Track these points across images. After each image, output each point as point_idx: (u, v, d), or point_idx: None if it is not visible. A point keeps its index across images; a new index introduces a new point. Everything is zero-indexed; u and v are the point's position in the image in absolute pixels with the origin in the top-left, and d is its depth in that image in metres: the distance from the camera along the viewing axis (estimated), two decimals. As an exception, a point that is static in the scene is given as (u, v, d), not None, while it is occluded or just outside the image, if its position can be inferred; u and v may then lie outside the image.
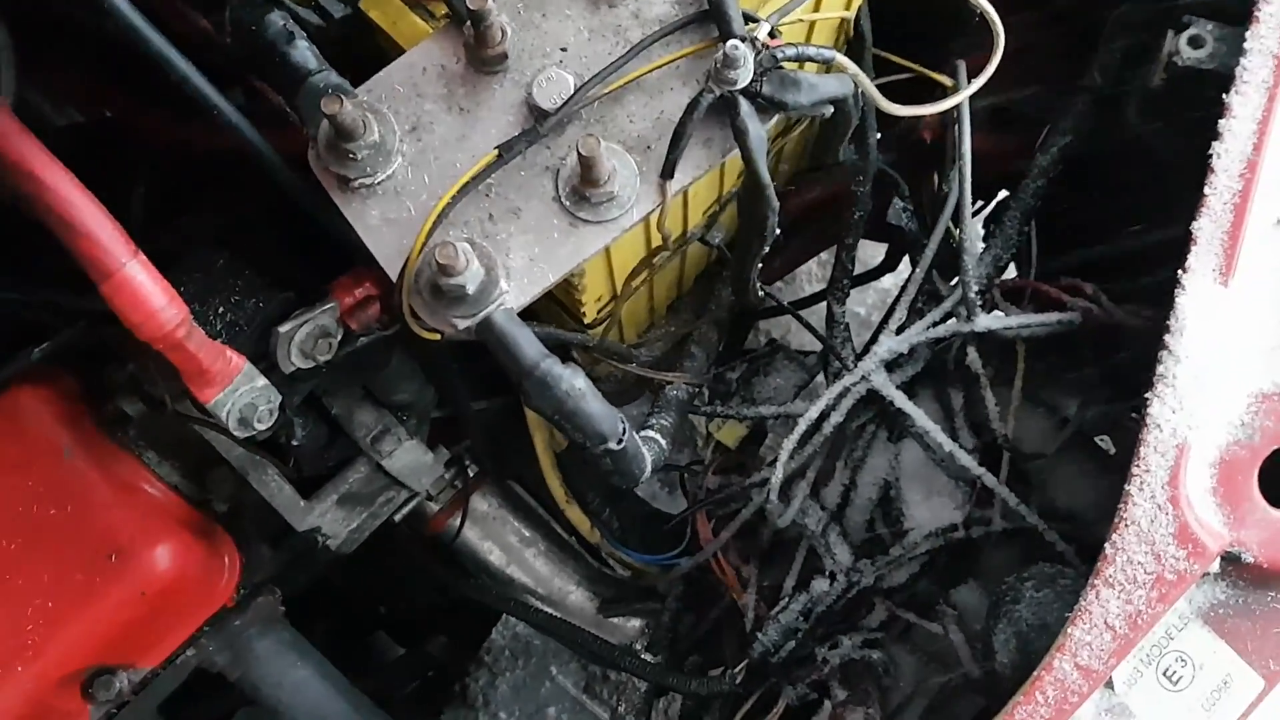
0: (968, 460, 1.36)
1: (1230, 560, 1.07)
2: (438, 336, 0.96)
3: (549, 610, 1.64)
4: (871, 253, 1.73)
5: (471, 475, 1.62)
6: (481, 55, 0.96)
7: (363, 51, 1.08)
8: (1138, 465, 1.07)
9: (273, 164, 0.97)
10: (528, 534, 1.68)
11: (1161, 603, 1.05)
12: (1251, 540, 1.06)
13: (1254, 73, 1.13)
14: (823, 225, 1.55)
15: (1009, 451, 1.40)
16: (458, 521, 1.65)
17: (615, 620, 1.66)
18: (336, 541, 1.30)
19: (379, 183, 0.97)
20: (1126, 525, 1.06)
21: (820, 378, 1.56)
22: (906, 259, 1.68)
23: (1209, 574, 1.07)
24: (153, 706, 1.40)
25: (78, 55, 1.35)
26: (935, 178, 1.45)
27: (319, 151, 0.96)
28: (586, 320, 1.23)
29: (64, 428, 1.22)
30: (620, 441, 0.93)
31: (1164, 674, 1.09)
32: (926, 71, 1.27)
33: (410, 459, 1.29)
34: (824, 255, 1.92)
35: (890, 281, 2.08)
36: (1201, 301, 1.09)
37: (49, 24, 1.22)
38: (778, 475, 1.36)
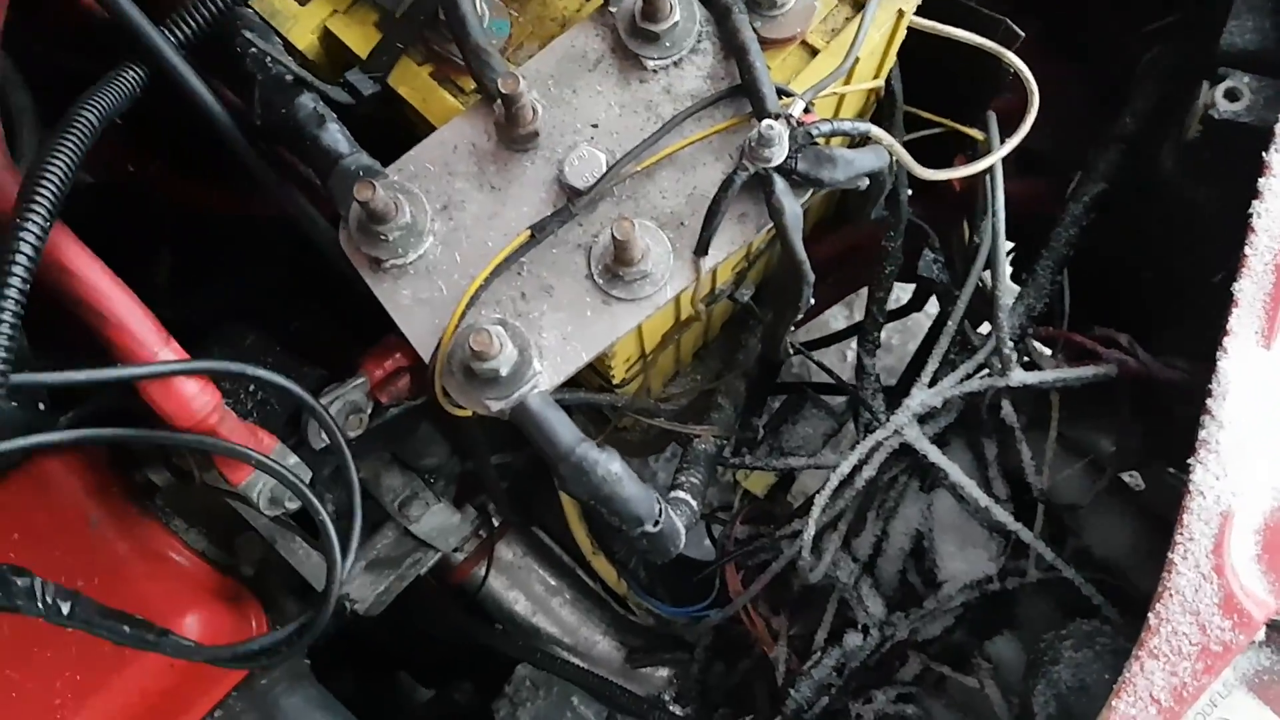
0: (1003, 515, 1.34)
1: (1275, 627, 1.05)
2: (469, 414, 0.95)
3: (575, 660, 1.63)
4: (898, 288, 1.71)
5: (496, 524, 1.61)
6: (513, 134, 0.95)
7: (393, 125, 1.07)
8: (1181, 534, 1.05)
9: (324, 235, 0.96)
10: (553, 583, 1.67)
11: (1207, 674, 1.03)
12: (1298, 607, 1.04)
13: (1294, 129, 1.11)
14: (847, 273, 1.54)
15: (1044, 504, 1.38)
16: (483, 570, 1.64)
17: (643, 670, 1.64)
18: (364, 605, 1.30)
19: (410, 263, 0.96)
20: (1170, 595, 1.04)
21: (849, 424, 1.55)
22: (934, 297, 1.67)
23: (1254, 641, 1.05)
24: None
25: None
26: (965, 227, 1.43)
27: (350, 233, 0.95)
28: (615, 380, 1.22)
29: (90, 497, 1.22)
30: (657, 523, 0.92)
31: (1209, 743, 1.07)
32: (958, 127, 1.25)
33: (438, 521, 1.28)
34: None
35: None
36: (1244, 365, 1.07)
37: (73, 83, 1.22)
38: (810, 531, 1.34)
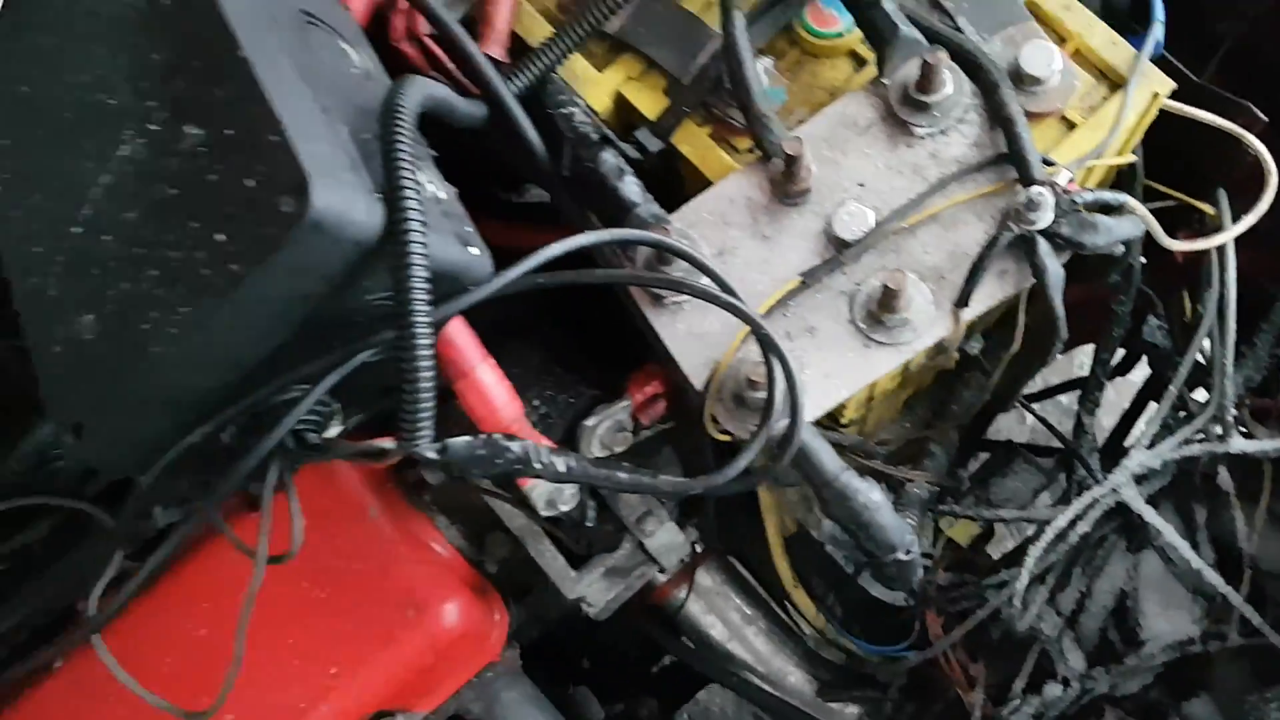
0: (1215, 578, 1.36)
1: None
2: (728, 439, 1.06)
3: (769, 689, 1.70)
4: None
5: (698, 550, 1.71)
6: (787, 190, 1.06)
7: (663, 176, 1.20)
8: None
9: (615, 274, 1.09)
10: (749, 611, 1.75)
11: None
12: None
13: None
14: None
15: (1252, 570, 1.40)
16: (683, 593, 1.73)
17: (833, 705, 1.70)
18: (596, 610, 1.41)
19: (687, 307, 1.08)
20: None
21: (1053, 482, 1.59)
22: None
23: None
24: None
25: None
26: (1187, 297, 1.47)
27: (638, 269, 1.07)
28: (844, 420, 1.31)
29: (370, 491, 1.37)
30: (909, 552, 1.00)
31: None
32: (1191, 201, 1.30)
33: (667, 539, 1.39)
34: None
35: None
36: None
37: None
38: (1024, 580, 1.39)
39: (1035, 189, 0.95)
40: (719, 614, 1.75)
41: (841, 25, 1.15)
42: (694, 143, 1.16)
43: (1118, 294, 1.32)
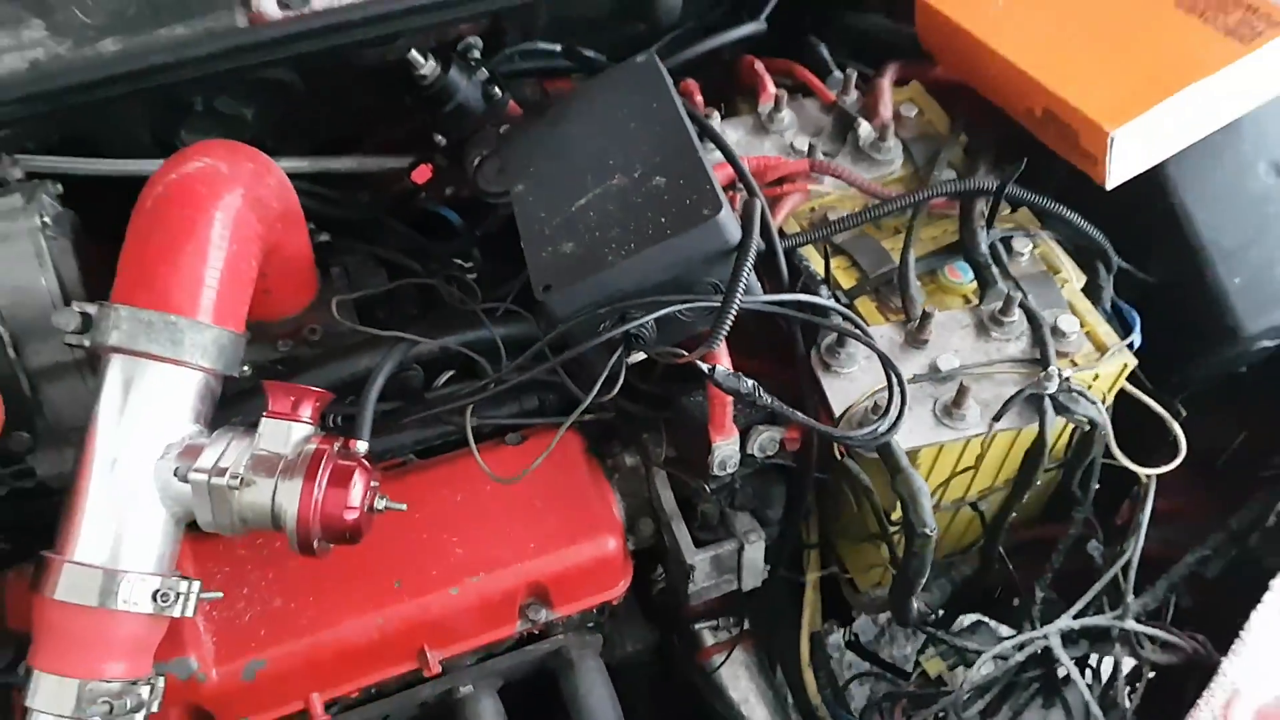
0: (1103, 723, 2.00)
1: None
2: (843, 460, 1.83)
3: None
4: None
5: (745, 628, 2.35)
6: (915, 338, 1.91)
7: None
8: None
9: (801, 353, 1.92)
10: (763, 689, 2.35)
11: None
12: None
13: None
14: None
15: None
16: (721, 658, 2.35)
17: (804, 766, 2.25)
18: (695, 588, 2.06)
19: (845, 373, 1.90)
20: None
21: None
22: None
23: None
24: (500, 669, 2.10)
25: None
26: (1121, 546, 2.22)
27: (820, 354, 1.91)
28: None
29: (582, 456, 2.10)
30: (932, 532, 1.72)
31: None
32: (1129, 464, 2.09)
33: (757, 557, 2.07)
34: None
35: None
36: None
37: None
38: (972, 679, 2.03)
39: (1054, 367, 1.79)
40: (740, 681, 2.36)
41: (963, 279, 2.06)
42: (865, 307, 2.04)
43: (1077, 503, 2.08)
